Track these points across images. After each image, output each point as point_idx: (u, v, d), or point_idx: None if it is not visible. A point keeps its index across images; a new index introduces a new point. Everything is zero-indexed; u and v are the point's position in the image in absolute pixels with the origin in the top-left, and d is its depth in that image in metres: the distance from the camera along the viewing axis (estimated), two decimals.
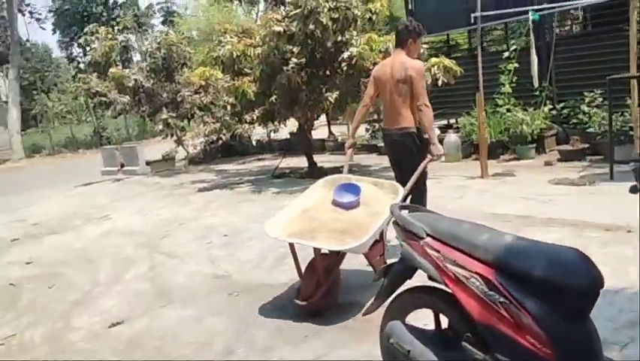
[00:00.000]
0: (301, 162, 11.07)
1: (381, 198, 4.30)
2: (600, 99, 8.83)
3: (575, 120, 9.27)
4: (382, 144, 11.86)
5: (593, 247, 4.60)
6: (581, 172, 7.76)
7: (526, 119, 9.20)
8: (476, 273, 2.39)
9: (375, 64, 8.42)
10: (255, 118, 9.91)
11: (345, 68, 8.45)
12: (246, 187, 9.77)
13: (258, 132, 15.03)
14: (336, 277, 4.17)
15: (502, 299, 2.28)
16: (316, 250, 4.01)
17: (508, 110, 9.62)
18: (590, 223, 5.26)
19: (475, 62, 9.01)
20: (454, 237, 2.54)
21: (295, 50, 8.86)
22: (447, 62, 8.24)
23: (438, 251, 2.55)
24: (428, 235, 2.62)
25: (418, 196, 4.77)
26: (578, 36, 10.96)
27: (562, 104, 9.69)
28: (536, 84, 8.72)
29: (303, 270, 4.24)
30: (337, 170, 10.51)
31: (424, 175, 4.73)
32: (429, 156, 4.51)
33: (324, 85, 9.12)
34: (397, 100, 4.70)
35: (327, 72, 9.00)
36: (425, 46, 9.53)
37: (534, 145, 9.29)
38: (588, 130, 8.77)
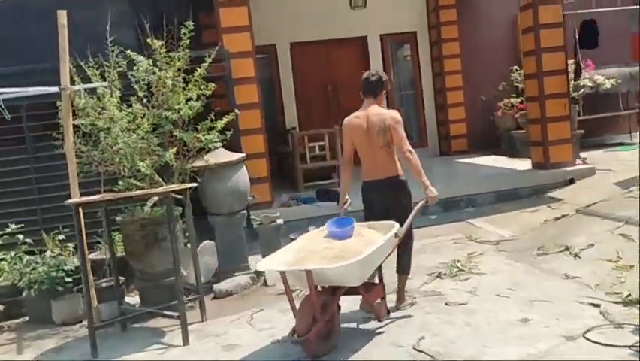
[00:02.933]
0: None
1: (376, 232, 4.39)
2: (21, 236, 6.05)
3: None
4: None
5: None
6: (27, 345, 5.03)
7: None
8: None
9: None
10: None
11: None
12: None
13: None
14: (333, 318, 4.11)
15: None
16: (310, 285, 3.92)
17: None
18: None
19: None
20: None
21: None
22: None
23: None
24: None
25: (404, 249, 4.86)
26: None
27: None
28: None
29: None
30: None
31: (410, 230, 4.82)
32: (422, 201, 4.68)
33: None
34: (380, 151, 4.78)
35: None
36: None
37: None
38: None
